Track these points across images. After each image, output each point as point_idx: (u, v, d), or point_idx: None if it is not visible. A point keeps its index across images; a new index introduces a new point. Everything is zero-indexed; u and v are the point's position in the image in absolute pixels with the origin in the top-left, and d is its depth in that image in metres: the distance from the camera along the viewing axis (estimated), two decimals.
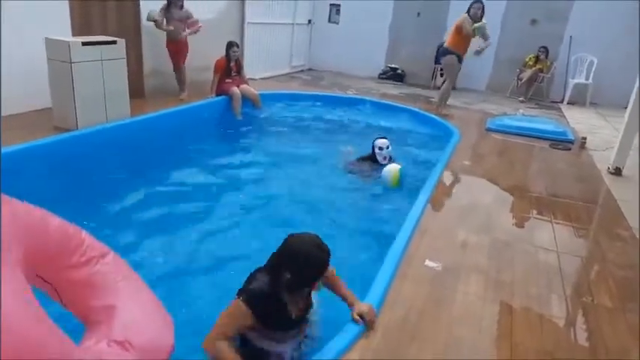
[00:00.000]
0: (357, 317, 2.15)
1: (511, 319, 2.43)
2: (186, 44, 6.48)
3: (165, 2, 6.14)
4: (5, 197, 1.60)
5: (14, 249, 1.45)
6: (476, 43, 6.85)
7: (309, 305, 2.09)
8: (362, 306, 2.19)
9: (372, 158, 4.66)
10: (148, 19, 6.02)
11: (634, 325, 2.47)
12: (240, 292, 1.89)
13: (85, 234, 1.82)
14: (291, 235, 1.94)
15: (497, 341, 2.26)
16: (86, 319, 1.71)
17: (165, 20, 6.13)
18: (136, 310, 1.69)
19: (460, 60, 6.83)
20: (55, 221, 1.73)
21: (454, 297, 2.58)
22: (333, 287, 2.20)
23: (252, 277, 1.95)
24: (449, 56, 6.81)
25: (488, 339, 2.27)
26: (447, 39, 6.96)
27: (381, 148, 4.60)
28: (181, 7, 6.23)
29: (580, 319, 2.52)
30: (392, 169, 4.27)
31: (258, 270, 1.97)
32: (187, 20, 6.31)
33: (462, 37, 6.62)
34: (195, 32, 6.38)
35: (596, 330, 2.42)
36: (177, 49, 6.43)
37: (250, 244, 3.17)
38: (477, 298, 2.59)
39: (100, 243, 1.88)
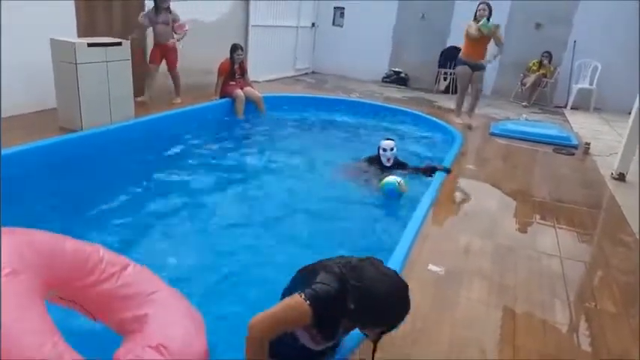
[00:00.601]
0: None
1: (514, 323, 2.43)
2: (174, 49, 6.22)
3: (153, 4, 5.94)
4: (21, 229, 1.71)
5: (27, 276, 1.51)
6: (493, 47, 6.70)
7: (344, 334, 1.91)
8: None
9: (377, 159, 4.61)
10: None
11: (637, 331, 2.46)
12: (305, 292, 1.66)
13: (103, 251, 1.86)
14: (382, 268, 1.70)
15: (500, 345, 2.25)
16: (121, 330, 1.76)
17: (148, 22, 5.92)
18: (166, 316, 1.71)
19: (477, 68, 6.61)
20: (70, 244, 1.78)
21: (457, 301, 2.57)
22: None
23: (318, 277, 1.71)
24: (459, 67, 6.78)
25: (491, 343, 2.26)
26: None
27: (384, 150, 4.54)
28: (167, 9, 5.97)
29: (583, 325, 2.51)
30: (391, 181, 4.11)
31: (325, 269, 1.74)
32: (174, 23, 6.03)
33: (470, 42, 6.50)
34: (182, 36, 6.15)
35: (599, 335, 2.41)
36: (163, 54, 6.18)
37: (250, 246, 3.18)
38: (480, 303, 2.58)
39: (120, 256, 1.92)
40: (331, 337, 1.79)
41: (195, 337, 1.70)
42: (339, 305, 1.65)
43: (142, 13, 5.89)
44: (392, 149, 4.54)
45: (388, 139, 4.65)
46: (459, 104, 7.09)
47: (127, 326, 1.71)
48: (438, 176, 4.43)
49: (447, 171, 4.58)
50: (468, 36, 6.50)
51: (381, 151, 4.56)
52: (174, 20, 6.06)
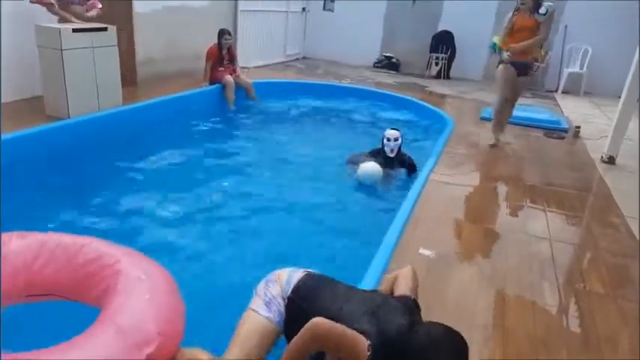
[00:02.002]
0: None
1: (504, 306, 2.45)
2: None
3: None
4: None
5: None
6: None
7: None
8: None
9: (381, 151, 4.37)
10: (33, 0, 4.65)
11: (625, 311, 2.50)
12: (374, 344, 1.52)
13: (56, 236, 1.87)
14: (447, 331, 1.59)
15: (490, 328, 2.27)
16: (98, 306, 1.75)
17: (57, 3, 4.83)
18: (125, 286, 1.68)
19: (520, 68, 4.94)
20: (15, 243, 1.81)
21: (447, 285, 2.59)
22: None
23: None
24: (499, 66, 5.09)
25: (481, 326, 2.28)
26: None
27: (389, 139, 4.31)
28: None
29: (572, 306, 2.54)
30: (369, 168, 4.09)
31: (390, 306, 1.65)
32: (87, 2, 5.14)
33: (507, 35, 4.92)
34: (95, 14, 5.12)
35: (587, 316, 2.44)
36: None
37: (242, 238, 3.17)
38: (471, 286, 2.60)
39: (77, 236, 1.92)
40: None
41: (156, 305, 1.64)
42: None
43: None
44: (396, 139, 4.32)
45: (393, 128, 4.43)
46: (497, 114, 5.25)
47: (99, 302, 1.70)
48: (429, 163, 4.42)
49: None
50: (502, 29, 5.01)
51: (385, 141, 4.35)
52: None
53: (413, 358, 1.50)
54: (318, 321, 1.55)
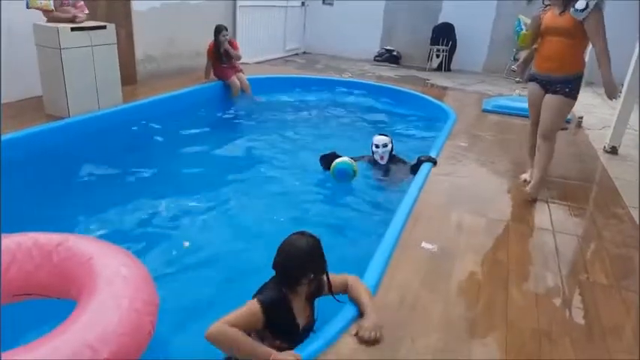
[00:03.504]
0: (354, 331, 2.04)
1: (507, 298, 2.44)
2: None
3: None
4: None
5: None
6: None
7: (313, 318, 2.09)
8: (365, 321, 2.05)
9: (370, 157, 4.15)
10: (30, 6, 4.50)
11: (629, 302, 2.49)
12: (255, 295, 1.92)
13: (32, 235, 1.90)
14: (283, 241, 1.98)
15: (493, 320, 2.26)
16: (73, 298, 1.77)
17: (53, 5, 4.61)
18: (97, 284, 1.70)
19: (546, 84, 3.58)
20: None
21: (450, 277, 2.58)
22: (351, 295, 2.18)
23: (265, 285, 1.98)
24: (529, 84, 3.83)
25: (484, 319, 2.27)
26: None
27: (377, 146, 4.05)
28: None
29: (575, 297, 2.53)
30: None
31: (271, 279, 1.99)
32: (77, 3, 4.93)
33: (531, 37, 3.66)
34: (82, 19, 4.81)
35: (591, 307, 2.43)
36: None
37: (242, 238, 3.17)
38: (473, 279, 2.59)
39: (54, 234, 1.94)
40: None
41: (124, 307, 1.65)
42: (284, 302, 1.91)
43: None
44: (385, 145, 4.05)
45: (382, 134, 4.17)
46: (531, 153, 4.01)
47: (76, 298, 1.73)
48: (431, 154, 4.40)
49: (434, 162, 4.16)
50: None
51: (373, 148, 4.10)
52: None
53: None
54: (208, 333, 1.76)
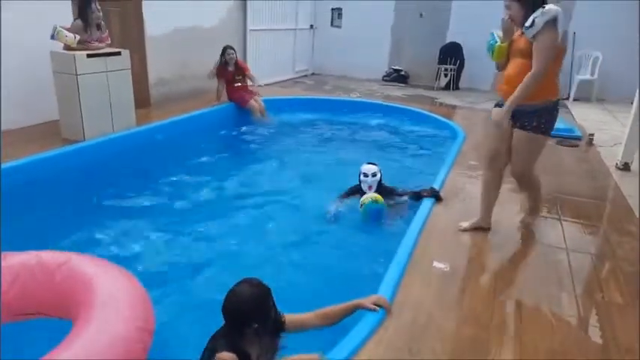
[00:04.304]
0: (374, 306, 2.22)
1: (520, 317, 2.42)
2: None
3: (79, 20, 4.86)
4: None
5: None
6: None
7: (275, 350, 2.00)
8: (370, 298, 2.25)
9: (359, 188, 3.93)
10: (55, 39, 4.66)
11: None
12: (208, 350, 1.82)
13: (36, 254, 1.91)
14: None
15: (507, 340, 2.24)
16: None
17: (76, 39, 4.73)
18: (95, 302, 1.72)
19: (514, 116, 3.04)
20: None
21: (463, 297, 2.57)
22: (323, 320, 2.12)
23: (212, 345, 1.84)
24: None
25: (497, 339, 2.25)
26: None
27: (365, 175, 3.88)
28: (98, 27, 5.01)
29: (590, 317, 2.50)
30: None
31: (213, 337, 1.87)
32: (102, 36, 5.08)
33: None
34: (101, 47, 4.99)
35: (607, 327, 2.40)
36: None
37: (251, 261, 3.13)
38: (486, 298, 2.57)
39: (58, 252, 1.96)
40: None
41: (120, 327, 1.66)
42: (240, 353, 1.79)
43: (62, 31, 4.67)
44: (374, 174, 3.89)
45: (370, 163, 4.00)
46: (483, 195, 3.45)
47: (74, 318, 1.74)
48: (441, 174, 4.41)
49: (436, 197, 3.89)
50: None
51: (361, 177, 3.92)
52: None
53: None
54: None
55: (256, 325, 1.80)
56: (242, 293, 1.83)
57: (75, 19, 4.95)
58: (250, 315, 1.81)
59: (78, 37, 4.73)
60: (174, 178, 4.53)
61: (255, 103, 6.52)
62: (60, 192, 3.93)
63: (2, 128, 4.86)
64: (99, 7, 4.96)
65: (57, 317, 1.88)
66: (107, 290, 1.77)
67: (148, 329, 1.74)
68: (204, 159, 5.22)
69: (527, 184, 3.37)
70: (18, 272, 1.83)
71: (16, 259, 1.88)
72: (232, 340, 1.80)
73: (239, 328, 1.81)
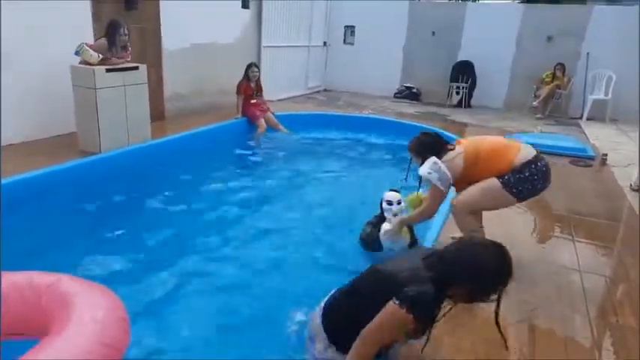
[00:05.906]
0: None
1: (534, 339, 2.39)
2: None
3: (104, 40, 4.98)
4: None
5: None
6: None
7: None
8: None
9: (382, 218, 3.55)
10: (79, 55, 4.78)
11: None
12: (404, 301, 1.73)
13: (26, 275, 1.91)
14: (467, 244, 1.93)
15: None
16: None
17: (99, 58, 4.84)
18: (72, 316, 1.71)
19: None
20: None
21: (475, 318, 2.55)
22: None
23: (412, 286, 1.76)
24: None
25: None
26: None
27: (390, 203, 3.51)
28: (124, 48, 5.12)
29: (604, 340, 2.46)
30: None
31: (414, 279, 1.79)
32: (124, 53, 5.19)
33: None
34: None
35: (621, 351, 2.36)
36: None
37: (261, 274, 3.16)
38: (499, 320, 2.55)
39: (47, 274, 1.94)
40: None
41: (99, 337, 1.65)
42: (438, 305, 1.82)
43: (88, 50, 4.78)
44: (399, 202, 3.52)
45: (393, 190, 3.65)
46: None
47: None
48: (451, 192, 4.38)
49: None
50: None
51: (384, 204, 3.56)
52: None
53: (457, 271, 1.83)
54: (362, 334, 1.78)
55: (468, 287, 1.86)
56: (490, 258, 1.88)
57: (99, 38, 5.11)
58: (468, 276, 1.83)
59: (101, 56, 4.86)
60: (187, 189, 4.59)
61: (264, 122, 6.72)
62: (74, 202, 3.99)
63: (21, 140, 5.00)
64: (127, 32, 5.11)
65: (40, 337, 1.88)
66: (84, 309, 1.77)
67: (117, 347, 1.72)
68: (216, 171, 5.27)
69: (460, 217, 3.28)
70: (8, 294, 1.84)
71: (8, 279, 1.89)
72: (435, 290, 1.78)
73: (447, 280, 1.81)
